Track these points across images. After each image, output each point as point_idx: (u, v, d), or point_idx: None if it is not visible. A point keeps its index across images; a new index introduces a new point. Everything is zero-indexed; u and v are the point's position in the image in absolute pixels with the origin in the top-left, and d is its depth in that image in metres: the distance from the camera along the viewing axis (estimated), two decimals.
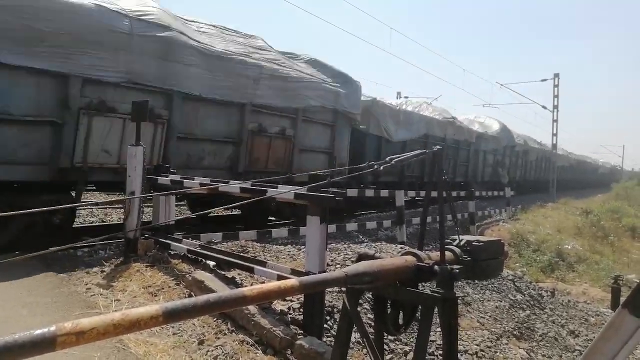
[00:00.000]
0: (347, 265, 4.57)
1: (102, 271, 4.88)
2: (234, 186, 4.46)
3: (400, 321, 2.66)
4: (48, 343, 1.16)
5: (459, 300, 4.48)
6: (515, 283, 6.99)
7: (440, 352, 3.74)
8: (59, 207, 2.39)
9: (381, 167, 2.57)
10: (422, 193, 10.22)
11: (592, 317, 7.35)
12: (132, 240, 5.27)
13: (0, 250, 5.38)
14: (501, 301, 6.13)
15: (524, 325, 5.85)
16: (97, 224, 10.03)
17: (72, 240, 6.22)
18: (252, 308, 3.62)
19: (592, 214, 19.41)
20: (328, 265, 4.95)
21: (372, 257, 2.52)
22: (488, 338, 4.99)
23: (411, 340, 4.13)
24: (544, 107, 28.90)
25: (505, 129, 23.69)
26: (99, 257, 5.50)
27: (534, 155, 30.26)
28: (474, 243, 2.87)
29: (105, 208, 11.64)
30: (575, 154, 47.34)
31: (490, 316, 5.57)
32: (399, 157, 2.63)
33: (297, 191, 3.79)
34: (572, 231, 16.79)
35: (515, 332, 5.54)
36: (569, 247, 13.54)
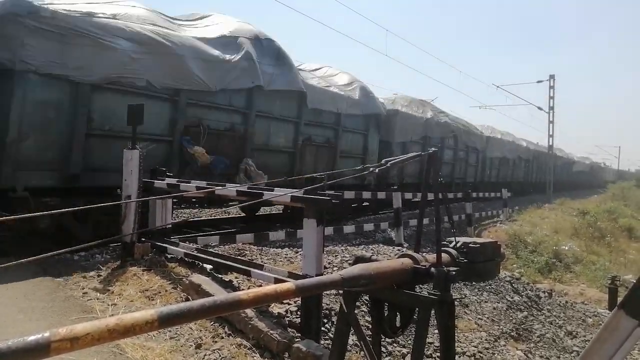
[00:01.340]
0: (345, 268, 4.57)
1: (99, 275, 4.87)
2: (230, 189, 4.45)
3: (398, 323, 2.66)
4: (42, 349, 1.15)
5: (456, 302, 4.48)
6: (513, 284, 6.99)
7: (438, 354, 3.74)
8: (55, 211, 2.38)
9: (377, 170, 2.57)
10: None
11: (590, 317, 7.37)
12: (128, 244, 5.25)
13: None
14: (499, 302, 6.14)
15: (522, 326, 5.86)
16: None
17: (69, 243, 6.22)
18: (250, 311, 3.61)
19: (588, 215, 19.44)
20: (325, 267, 4.95)
21: (369, 260, 2.52)
22: (486, 339, 4.98)
23: (409, 342, 4.12)
24: (540, 109, 29.00)
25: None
26: (95, 261, 5.48)
27: (430, 127, 15.78)
28: (470, 245, 2.87)
29: None
30: (534, 143, 31.76)
31: (487, 318, 5.57)
32: (394, 159, 2.63)
33: (293, 194, 3.79)
34: (569, 232, 16.81)
35: (513, 334, 5.54)
36: (566, 248, 13.55)
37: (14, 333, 3.31)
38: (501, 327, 5.52)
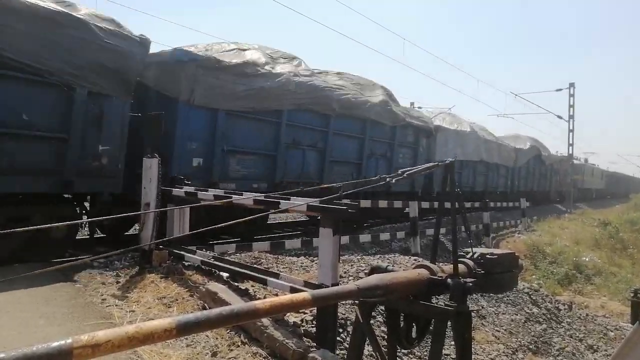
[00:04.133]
0: (360, 278, 4.56)
1: (117, 282, 4.94)
2: (247, 198, 4.49)
3: (414, 334, 2.65)
4: (64, 355, 1.19)
5: (473, 313, 4.43)
6: (531, 296, 6.89)
7: None
8: (77, 221, 2.44)
9: (393, 180, 2.58)
10: None
11: (612, 331, 7.21)
12: (146, 251, 5.32)
13: (19, 260, 5.47)
14: (517, 314, 6.05)
15: (541, 339, 5.76)
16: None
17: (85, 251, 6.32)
18: (265, 320, 3.62)
19: (610, 226, 19.06)
20: (341, 277, 4.94)
21: (385, 270, 2.52)
22: (503, 352, 4.91)
23: (425, 353, 4.09)
24: (560, 117, 28.63)
25: None
26: (114, 267, 5.56)
27: None
28: (487, 256, 2.86)
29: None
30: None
31: (505, 330, 5.50)
32: (410, 170, 2.64)
33: (310, 203, 3.81)
34: (589, 243, 16.50)
35: (531, 347, 5.46)
36: (587, 259, 13.30)
37: (36, 338, 3.37)
38: (519, 339, 5.43)
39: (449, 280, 2.39)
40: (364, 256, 7.11)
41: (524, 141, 23.63)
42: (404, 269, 2.90)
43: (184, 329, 1.42)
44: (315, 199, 3.74)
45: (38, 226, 2.29)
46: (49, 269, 2.13)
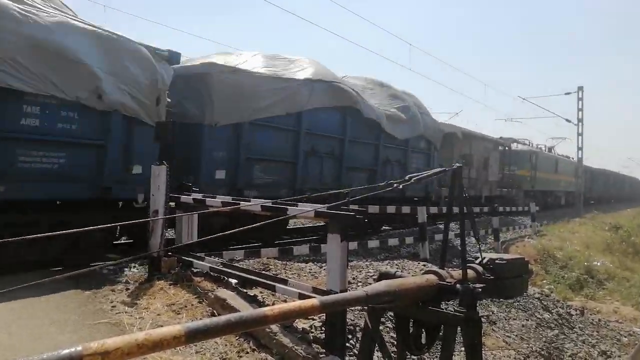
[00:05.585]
0: (369, 284, 4.54)
1: (127, 289, 4.96)
2: (255, 204, 4.50)
3: (423, 341, 2.63)
4: None
5: (483, 319, 4.39)
6: (542, 301, 6.82)
7: None
8: (92, 228, 2.46)
9: (400, 186, 2.57)
10: None
11: (625, 337, 7.12)
12: (155, 258, 5.34)
13: (31, 267, 5.52)
14: (528, 320, 5.99)
15: (552, 345, 5.70)
16: (122, 241, 10.19)
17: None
18: (274, 326, 3.62)
19: (622, 230, 18.84)
20: (350, 283, 4.93)
21: (393, 276, 2.51)
22: (515, 358, 4.87)
23: None
24: (568, 121, 28.38)
25: None
26: (124, 275, 5.59)
27: None
28: (497, 261, 2.83)
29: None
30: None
31: (516, 335, 5.44)
32: (417, 175, 2.63)
33: (317, 209, 3.81)
34: (601, 247, 16.32)
35: (543, 352, 5.39)
36: (598, 264, 13.14)
37: (47, 345, 3.40)
38: (531, 345, 5.38)
39: (458, 285, 2.38)
40: (372, 262, 7.09)
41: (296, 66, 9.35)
42: (413, 274, 2.89)
43: (193, 336, 1.42)
44: (323, 205, 3.74)
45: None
46: (59, 276, 2.15)
